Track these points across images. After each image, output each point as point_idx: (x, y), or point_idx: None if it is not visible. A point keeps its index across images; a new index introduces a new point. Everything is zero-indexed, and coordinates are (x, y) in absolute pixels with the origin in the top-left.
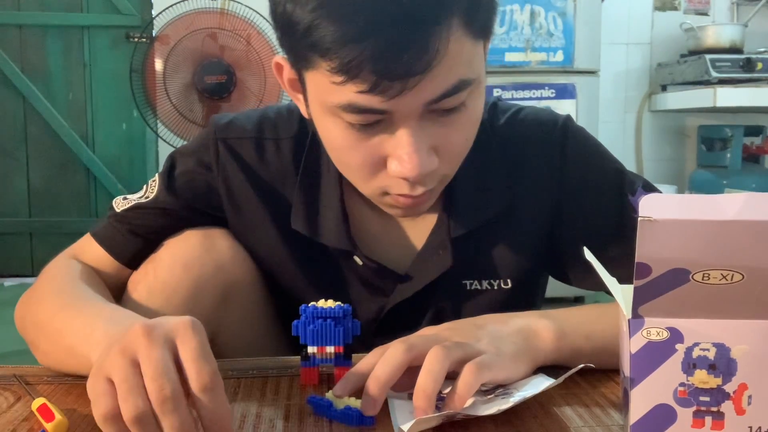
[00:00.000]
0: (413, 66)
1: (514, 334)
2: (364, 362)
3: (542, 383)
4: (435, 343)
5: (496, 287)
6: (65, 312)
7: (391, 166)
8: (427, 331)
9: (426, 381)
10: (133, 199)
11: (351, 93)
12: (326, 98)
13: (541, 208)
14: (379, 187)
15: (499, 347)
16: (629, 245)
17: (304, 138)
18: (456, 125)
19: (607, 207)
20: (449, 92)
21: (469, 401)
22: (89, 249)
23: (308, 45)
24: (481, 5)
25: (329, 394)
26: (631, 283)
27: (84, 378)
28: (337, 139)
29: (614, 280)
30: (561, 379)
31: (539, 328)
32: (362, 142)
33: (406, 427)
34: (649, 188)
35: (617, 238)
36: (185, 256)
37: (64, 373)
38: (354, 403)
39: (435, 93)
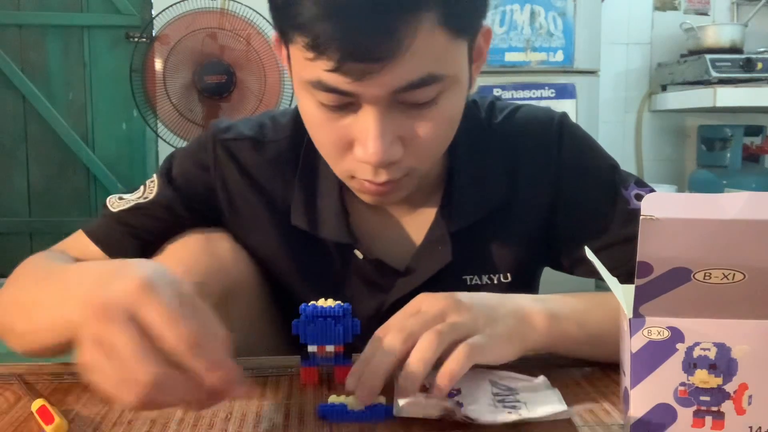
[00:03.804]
0: (376, 51)
1: (508, 316)
2: (367, 353)
3: (552, 401)
4: (430, 325)
5: (496, 281)
6: (40, 284)
7: (355, 149)
8: (424, 303)
9: (417, 367)
10: (132, 199)
11: (319, 70)
12: (301, 74)
13: (538, 202)
14: (347, 169)
15: (493, 328)
16: (620, 235)
17: (300, 138)
18: (426, 119)
19: (601, 199)
20: (416, 84)
21: (473, 406)
22: (81, 246)
23: (287, 18)
24: (460, 1)
25: (334, 398)
26: (622, 272)
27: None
28: (309, 116)
29: (614, 278)
30: (571, 411)
31: (532, 311)
32: (332, 122)
33: (402, 402)
34: (641, 184)
35: (609, 228)
36: (186, 260)
37: (39, 354)
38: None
39: (400, 83)
